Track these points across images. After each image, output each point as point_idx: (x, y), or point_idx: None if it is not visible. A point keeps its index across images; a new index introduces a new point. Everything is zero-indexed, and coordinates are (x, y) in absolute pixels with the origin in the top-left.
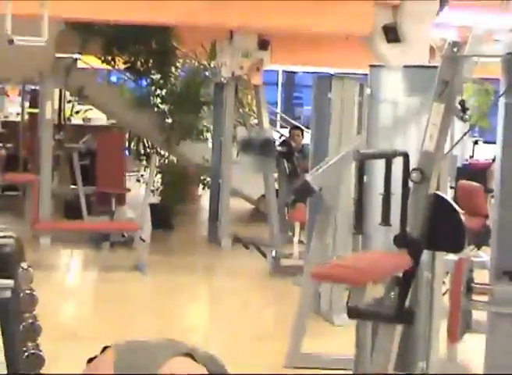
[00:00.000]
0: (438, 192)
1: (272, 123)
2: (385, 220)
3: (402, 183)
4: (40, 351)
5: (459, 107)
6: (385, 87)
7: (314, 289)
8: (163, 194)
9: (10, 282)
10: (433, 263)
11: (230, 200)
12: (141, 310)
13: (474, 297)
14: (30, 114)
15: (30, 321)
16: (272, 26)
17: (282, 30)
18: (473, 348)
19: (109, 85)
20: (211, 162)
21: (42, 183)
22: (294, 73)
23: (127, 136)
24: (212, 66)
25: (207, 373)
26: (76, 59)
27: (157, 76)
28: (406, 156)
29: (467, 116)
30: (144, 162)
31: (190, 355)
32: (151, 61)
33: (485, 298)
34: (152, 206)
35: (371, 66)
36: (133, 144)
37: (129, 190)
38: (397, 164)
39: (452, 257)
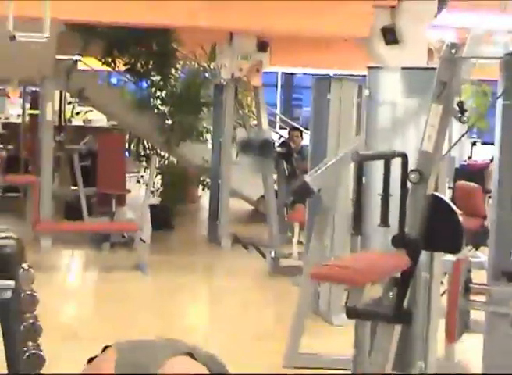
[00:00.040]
0: (436, 193)
1: (271, 124)
2: (384, 221)
3: (400, 184)
4: (41, 351)
5: (457, 108)
6: (383, 88)
7: (313, 289)
8: (163, 194)
9: (11, 282)
10: (431, 264)
11: (230, 200)
12: (142, 310)
13: (472, 297)
14: (31, 115)
15: (31, 321)
16: (272, 28)
17: (282, 31)
18: (471, 348)
19: (110, 87)
20: (210, 163)
21: (43, 184)
22: (293, 74)
23: (127, 137)
24: (212, 67)
25: (207, 372)
26: (77, 61)
27: (157, 78)
28: (404, 157)
29: (465, 118)
30: (144, 163)
31: (191, 354)
32: (151, 63)
33: (482, 298)
34: (152, 207)
35: (370, 67)
36: (133, 145)
37: (129, 191)
38: (396, 165)
39: (450, 257)
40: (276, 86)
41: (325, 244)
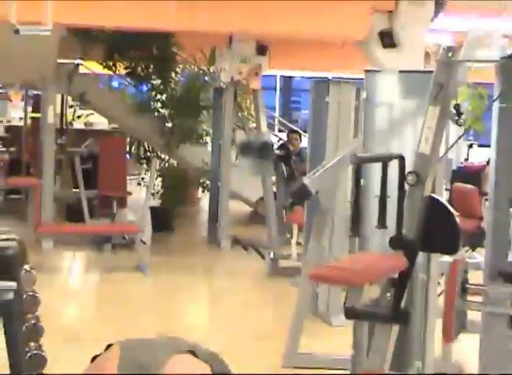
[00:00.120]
0: (433, 195)
1: (270, 126)
2: (382, 223)
3: (398, 185)
4: (43, 351)
5: (454, 111)
6: (381, 91)
7: (312, 290)
8: (163, 197)
9: (13, 284)
10: (428, 265)
11: (229, 202)
12: (142, 311)
13: (469, 297)
14: (33, 119)
15: (33, 322)
16: (271, 32)
17: (281, 35)
18: (468, 348)
19: (110, 90)
20: (210, 166)
21: (44, 186)
22: (292, 77)
23: (128, 140)
24: (212, 71)
25: (210, 370)
26: (78, 65)
27: (157, 82)
28: (402, 159)
29: (461, 120)
30: (145, 166)
31: (193, 352)
32: (152, 66)
33: (479, 299)
34: (153, 209)
35: (367, 70)
36: (133, 148)
37: (130, 193)
38: (393, 167)
39: (447, 258)
40: (275, 89)
41: (323, 245)
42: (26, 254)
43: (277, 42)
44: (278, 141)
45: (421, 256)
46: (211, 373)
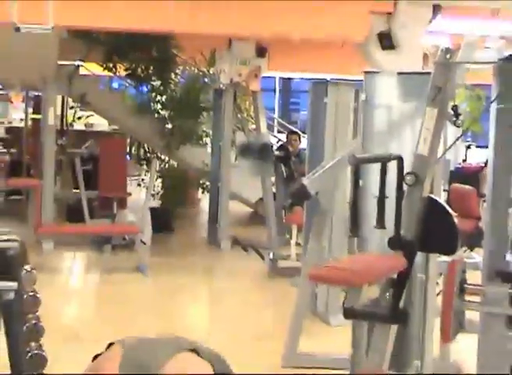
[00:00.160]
0: (431, 195)
1: (270, 128)
2: (380, 223)
3: (396, 186)
4: (43, 351)
5: (452, 112)
6: (379, 92)
7: (311, 290)
8: (163, 197)
9: (14, 284)
10: (427, 265)
11: (229, 203)
12: (142, 311)
13: (467, 297)
14: (34, 120)
15: (34, 322)
16: (270, 33)
17: (280, 36)
18: (466, 348)
19: (111, 92)
20: (210, 167)
21: (45, 187)
22: (291, 79)
23: (128, 141)
24: (211, 72)
25: (212, 369)
26: (79, 66)
27: (157, 83)
28: (400, 160)
29: (459, 121)
30: (145, 167)
31: (194, 350)
32: (152, 68)
33: (477, 299)
34: (153, 210)
35: (366, 72)
36: (134, 149)
37: (130, 194)
38: (392, 168)
39: (445, 258)
40: (274, 90)
41: (322, 245)
42: (27, 254)
43: (276, 44)
44: (277, 142)
45: (419, 256)
46: (213, 372)
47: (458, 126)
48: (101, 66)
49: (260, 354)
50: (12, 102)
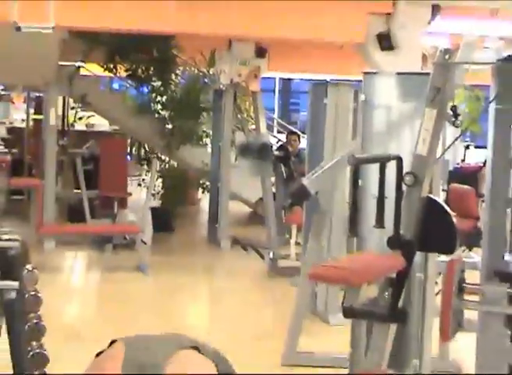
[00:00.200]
0: (430, 195)
1: (270, 128)
2: (379, 223)
3: (395, 186)
4: (45, 350)
5: (450, 113)
6: (378, 93)
7: (311, 289)
8: (164, 197)
9: (15, 283)
10: (426, 264)
11: (229, 203)
12: (143, 310)
13: (466, 297)
14: (35, 120)
15: (35, 321)
16: (270, 34)
17: (280, 36)
18: (464, 347)
19: (111, 92)
20: (210, 167)
21: (46, 187)
22: (291, 80)
23: (129, 141)
24: (211, 73)
25: (213, 365)
26: (79, 67)
27: (157, 84)
28: (399, 160)
29: (458, 122)
30: (145, 167)
31: (196, 347)
32: (152, 68)
33: (476, 298)
34: (153, 209)
35: (365, 72)
36: (134, 149)
37: (130, 194)
38: (391, 168)
39: (444, 258)
40: (274, 91)
41: (322, 245)
42: (29, 254)
43: (276, 45)
44: (277, 143)
45: (418, 256)
46: (215, 368)
47: (457, 127)
48: (102, 66)
49: (260, 353)
50: (13, 103)
